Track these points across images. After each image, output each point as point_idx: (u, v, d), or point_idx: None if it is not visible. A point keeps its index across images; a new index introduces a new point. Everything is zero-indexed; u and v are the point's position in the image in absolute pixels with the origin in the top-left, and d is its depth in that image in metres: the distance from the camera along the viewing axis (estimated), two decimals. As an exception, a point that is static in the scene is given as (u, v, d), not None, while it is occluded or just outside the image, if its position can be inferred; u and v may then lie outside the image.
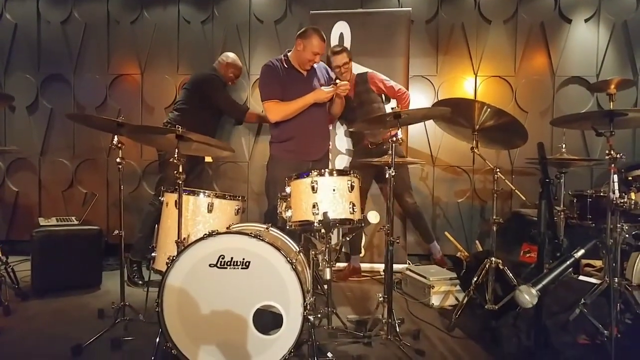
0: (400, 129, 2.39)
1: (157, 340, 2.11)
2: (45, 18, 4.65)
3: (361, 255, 3.92)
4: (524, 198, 3.46)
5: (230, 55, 3.92)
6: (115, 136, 2.49)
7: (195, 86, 3.68)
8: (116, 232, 2.57)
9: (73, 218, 3.64)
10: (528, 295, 1.29)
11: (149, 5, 4.60)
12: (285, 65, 3.15)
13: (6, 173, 4.69)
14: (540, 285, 1.32)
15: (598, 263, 3.18)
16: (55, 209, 4.56)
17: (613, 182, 2.11)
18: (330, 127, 3.73)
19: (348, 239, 2.68)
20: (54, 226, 3.43)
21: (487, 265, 2.69)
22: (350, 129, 3.91)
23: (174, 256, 2.10)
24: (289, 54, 3.20)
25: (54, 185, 4.69)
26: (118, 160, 2.52)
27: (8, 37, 4.66)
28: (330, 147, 3.86)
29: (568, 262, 1.37)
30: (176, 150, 2.29)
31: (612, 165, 2.15)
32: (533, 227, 3.30)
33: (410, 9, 4.17)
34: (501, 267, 2.68)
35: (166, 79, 4.57)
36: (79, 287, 3.33)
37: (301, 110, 3.10)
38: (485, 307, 2.64)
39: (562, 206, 3.16)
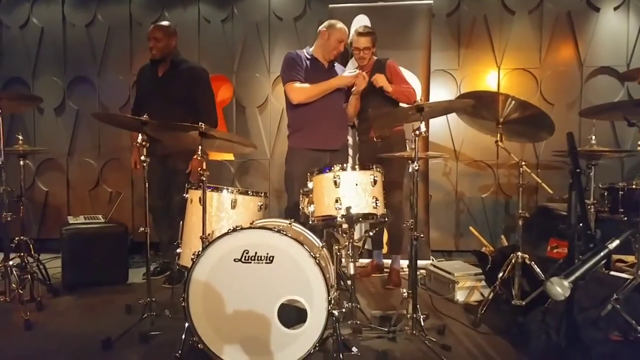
0: (423, 122, 2.36)
1: (184, 335, 2.13)
2: (70, 21, 4.75)
3: (383, 251, 3.88)
4: (551, 192, 3.38)
5: None
6: (140, 134, 2.53)
7: None
8: (141, 229, 2.61)
9: (100, 216, 3.72)
10: (560, 287, 1.25)
11: (170, 6, 4.66)
12: (308, 56, 3.17)
13: (36, 173, 4.82)
14: (573, 277, 1.27)
15: (630, 258, 3.08)
16: (82, 208, 4.67)
17: (646, 173, 2.04)
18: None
19: (371, 234, 2.66)
20: (82, 224, 3.50)
21: (513, 260, 2.64)
22: (368, 121, 3.60)
23: (199, 251, 2.12)
24: (310, 49, 3.22)
25: (81, 185, 4.80)
26: (142, 158, 2.55)
27: (35, 41, 4.78)
28: (350, 142, 3.84)
29: (602, 254, 1.32)
30: (199, 147, 2.32)
31: (645, 156, 2.07)
32: (561, 221, 3.21)
33: (432, 1, 4.11)
34: (528, 262, 2.62)
35: (188, 78, 4.62)
36: (106, 283, 3.39)
37: (324, 93, 3.07)
38: (512, 302, 2.59)
39: (592, 199, 3.07)
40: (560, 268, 2.66)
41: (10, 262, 2.88)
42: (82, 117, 4.77)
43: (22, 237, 3.14)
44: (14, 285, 2.89)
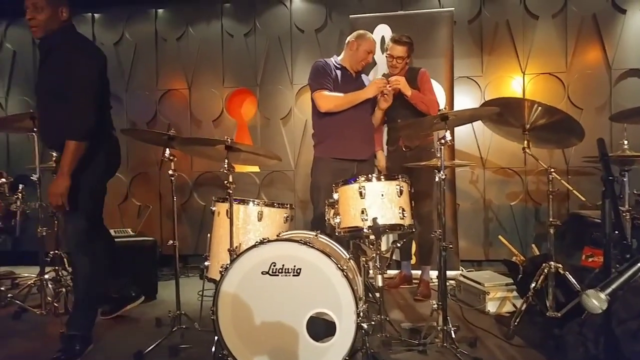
0: (448, 131, 2.34)
1: (213, 347, 2.15)
2: (100, 40, 4.88)
3: (412, 262, 3.83)
4: (583, 199, 3.29)
5: None
6: (167, 149, 2.57)
7: None
8: (170, 242, 2.64)
9: (129, 230, 3.79)
10: (597, 300, 1.21)
11: (194, 21, 4.76)
12: (337, 65, 3.15)
13: (67, 189, 4.94)
14: (609, 290, 1.23)
15: (669, 266, 2.95)
16: (112, 222, 4.73)
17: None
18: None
19: (399, 245, 2.63)
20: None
21: (546, 270, 2.57)
22: (396, 131, 3.50)
23: (227, 264, 2.14)
24: (338, 58, 3.21)
25: (111, 199, 4.84)
26: (170, 172, 2.59)
27: (67, 60, 4.94)
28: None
29: (639, 264, 1.28)
30: (226, 161, 2.35)
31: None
32: (595, 229, 3.11)
33: (453, 9, 4.09)
34: (562, 272, 2.55)
35: (212, 92, 4.71)
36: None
37: (353, 103, 3.02)
38: (547, 314, 2.52)
39: (627, 206, 2.97)
40: (597, 278, 2.58)
41: (46, 276, 2.96)
42: (111, 133, 4.89)
43: (56, 251, 3.23)
44: (49, 298, 2.97)
